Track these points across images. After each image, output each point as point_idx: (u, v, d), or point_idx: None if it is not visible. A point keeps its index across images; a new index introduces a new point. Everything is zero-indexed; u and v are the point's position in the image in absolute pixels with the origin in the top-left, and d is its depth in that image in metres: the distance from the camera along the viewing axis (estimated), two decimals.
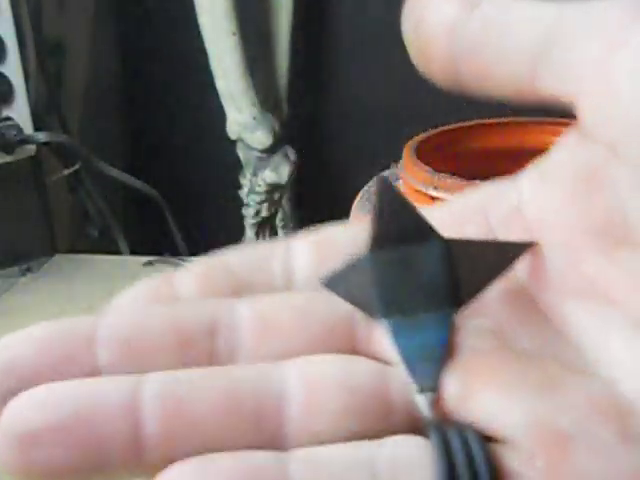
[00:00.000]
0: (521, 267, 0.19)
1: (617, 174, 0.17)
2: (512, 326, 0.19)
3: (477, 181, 0.40)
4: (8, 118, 0.67)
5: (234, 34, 0.65)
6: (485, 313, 0.19)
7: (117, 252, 0.80)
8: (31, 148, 0.70)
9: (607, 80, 0.17)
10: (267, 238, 0.74)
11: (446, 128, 0.52)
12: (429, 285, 0.18)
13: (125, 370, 0.18)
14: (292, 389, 0.17)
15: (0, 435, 0.16)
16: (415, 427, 0.17)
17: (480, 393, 0.17)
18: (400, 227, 0.18)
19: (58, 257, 0.74)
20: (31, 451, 0.16)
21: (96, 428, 0.16)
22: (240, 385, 0.17)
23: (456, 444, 0.16)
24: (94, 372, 0.18)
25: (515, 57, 0.18)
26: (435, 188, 0.44)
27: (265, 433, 0.17)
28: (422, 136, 0.52)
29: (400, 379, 0.18)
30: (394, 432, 0.17)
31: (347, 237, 0.21)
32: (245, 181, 0.71)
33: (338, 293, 0.18)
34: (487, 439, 0.16)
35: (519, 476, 0.16)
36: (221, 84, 0.68)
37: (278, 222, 0.77)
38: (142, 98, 0.84)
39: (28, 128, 0.68)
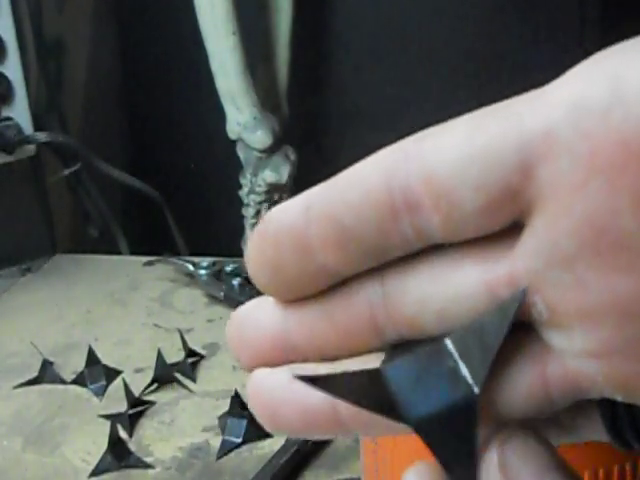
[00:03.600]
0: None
1: None
2: None
3: None
4: (8, 118, 0.67)
5: (234, 34, 0.65)
6: None
7: (117, 252, 0.80)
8: (31, 148, 0.70)
9: None
10: None
11: None
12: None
13: None
14: None
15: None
16: None
17: None
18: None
19: (58, 257, 0.74)
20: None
21: None
22: None
23: None
24: None
25: None
26: None
27: None
28: None
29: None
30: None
31: None
32: (245, 181, 0.71)
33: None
34: None
35: None
36: (221, 84, 0.68)
37: None
38: (142, 98, 0.84)
39: (28, 128, 0.69)
